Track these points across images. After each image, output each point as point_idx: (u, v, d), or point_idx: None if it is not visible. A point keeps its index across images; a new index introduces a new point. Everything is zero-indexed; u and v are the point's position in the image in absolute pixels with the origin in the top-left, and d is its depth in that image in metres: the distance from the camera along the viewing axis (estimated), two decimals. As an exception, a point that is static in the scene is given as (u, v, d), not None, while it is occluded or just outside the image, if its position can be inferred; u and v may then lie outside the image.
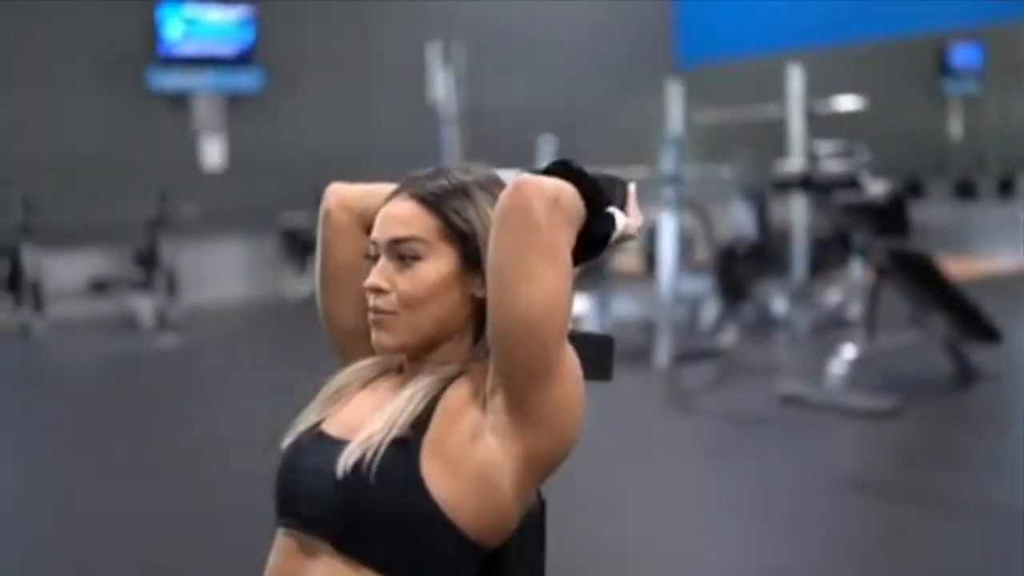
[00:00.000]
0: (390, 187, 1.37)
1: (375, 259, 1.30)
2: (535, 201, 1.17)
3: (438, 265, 1.27)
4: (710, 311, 7.37)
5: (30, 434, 5.49)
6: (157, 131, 9.66)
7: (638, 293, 7.49)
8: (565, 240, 1.20)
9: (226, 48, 10.07)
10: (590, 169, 1.24)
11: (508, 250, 1.18)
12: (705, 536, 3.82)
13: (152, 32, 9.70)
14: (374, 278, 1.28)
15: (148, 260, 8.82)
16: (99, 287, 9.07)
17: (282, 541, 1.29)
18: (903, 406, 5.15)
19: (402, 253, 1.27)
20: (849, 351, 5.60)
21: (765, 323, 7.64)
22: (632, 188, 1.31)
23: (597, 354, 1.34)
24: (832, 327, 7.21)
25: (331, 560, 1.23)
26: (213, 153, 10.05)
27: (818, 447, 4.91)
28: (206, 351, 7.72)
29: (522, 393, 1.20)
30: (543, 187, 1.18)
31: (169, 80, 9.77)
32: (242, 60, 10.09)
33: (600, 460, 4.69)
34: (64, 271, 8.96)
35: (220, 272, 9.90)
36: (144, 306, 8.60)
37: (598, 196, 1.23)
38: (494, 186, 1.28)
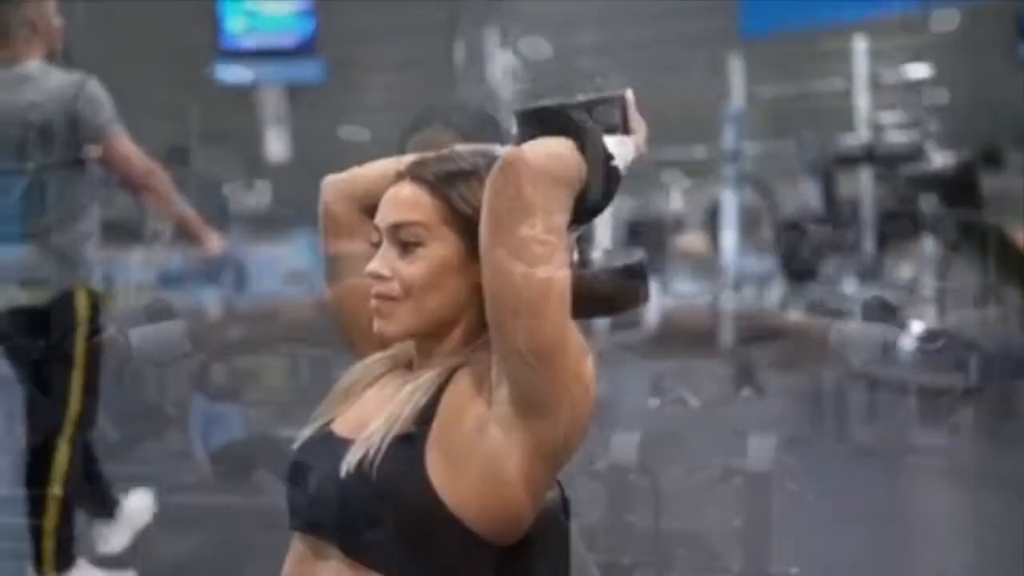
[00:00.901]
0: (387, 163, 1.33)
1: (379, 245, 1.25)
2: (524, 182, 1.11)
3: (440, 251, 1.22)
4: (776, 290, 7.23)
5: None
6: (220, 124, 9.77)
7: (702, 273, 7.38)
8: (559, 213, 1.13)
9: (287, 40, 10.12)
10: (585, 97, 1.18)
11: (499, 232, 1.12)
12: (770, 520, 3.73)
13: (214, 26, 9.80)
14: (375, 264, 1.23)
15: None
16: (168, 280, 9.20)
17: (295, 546, 1.26)
18: (975, 384, 4.99)
19: (403, 239, 1.22)
20: (919, 327, 5.45)
21: (833, 300, 7.47)
22: (630, 96, 1.24)
23: (629, 281, 1.30)
24: (901, 303, 7.03)
25: (339, 564, 1.19)
26: (276, 144, 10.14)
27: (887, 426, 4.79)
28: (272, 344, 7.78)
29: (526, 381, 1.13)
30: (534, 163, 1.11)
31: (232, 73, 9.87)
32: (303, 51, 10.14)
33: (663, 445, 4.63)
34: (134, 264, 9.11)
35: (286, 264, 9.98)
36: (212, 299, 8.70)
37: (597, 152, 1.17)
38: None
